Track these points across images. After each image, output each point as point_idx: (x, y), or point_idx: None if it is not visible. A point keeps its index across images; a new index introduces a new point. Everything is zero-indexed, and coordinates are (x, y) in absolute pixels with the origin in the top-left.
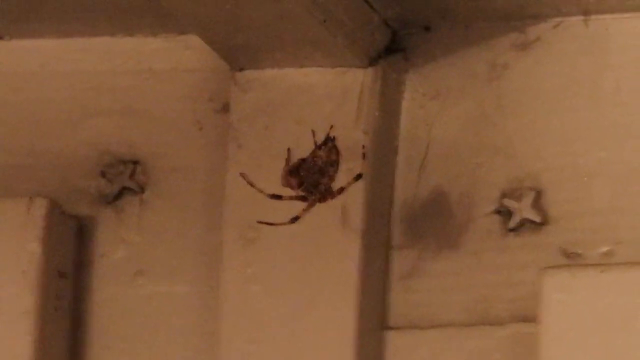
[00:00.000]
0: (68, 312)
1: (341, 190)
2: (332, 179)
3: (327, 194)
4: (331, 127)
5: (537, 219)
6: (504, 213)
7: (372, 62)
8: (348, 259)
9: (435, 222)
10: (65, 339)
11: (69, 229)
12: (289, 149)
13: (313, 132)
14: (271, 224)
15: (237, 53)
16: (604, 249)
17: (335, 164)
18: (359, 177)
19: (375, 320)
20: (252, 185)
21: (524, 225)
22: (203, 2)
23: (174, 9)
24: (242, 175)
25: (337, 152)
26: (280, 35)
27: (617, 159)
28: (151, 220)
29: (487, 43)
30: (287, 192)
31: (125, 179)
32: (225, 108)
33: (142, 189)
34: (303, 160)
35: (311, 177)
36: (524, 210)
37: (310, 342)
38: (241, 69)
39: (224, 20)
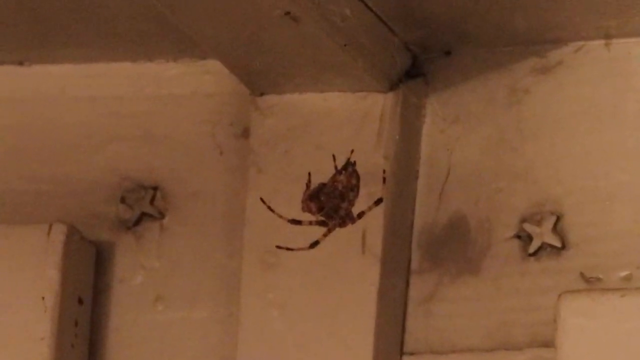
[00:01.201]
0: (86, 338)
1: (361, 214)
2: (352, 203)
3: (347, 219)
4: (351, 151)
5: (557, 243)
6: (524, 238)
7: (393, 86)
8: (367, 284)
9: (455, 246)
10: None
11: (88, 254)
12: (309, 174)
13: (333, 157)
14: (291, 249)
15: (258, 78)
16: (624, 273)
17: (355, 188)
18: (379, 201)
19: (394, 346)
20: (271, 210)
21: (544, 249)
22: (223, 27)
23: (194, 33)
24: (262, 200)
25: (357, 177)
26: (301, 60)
27: (638, 182)
28: (171, 246)
29: (508, 67)
30: (307, 217)
31: (145, 205)
32: (246, 133)
33: (161, 215)
34: (323, 185)
35: (331, 202)
36: (544, 234)
37: None
38: (261, 94)
39: (244, 44)
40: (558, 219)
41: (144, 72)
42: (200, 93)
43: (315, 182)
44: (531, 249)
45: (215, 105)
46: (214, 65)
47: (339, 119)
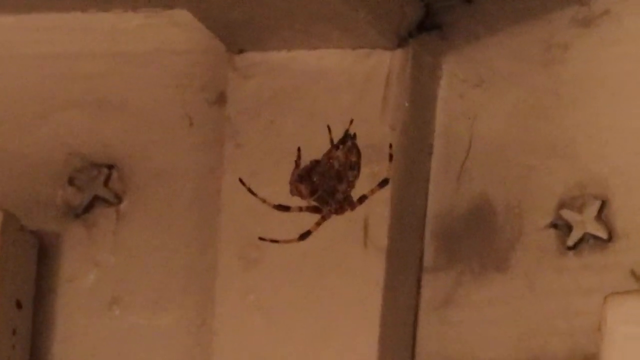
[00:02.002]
0: (26, 349)
1: (363, 199)
2: (351, 185)
3: (345, 204)
4: (351, 121)
5: (603, 234)
6: (562, 227)
7: (402, 42)
8: (370, 284)
9: (478, 238)
10: None
11: (29, 248)
12: (299, 149)
13: (329, 128)
14: (277, 242)
15: (236, 31)
16: None
17: (355, 167)
18: (384, 183)
19: (403, 358)
20: (253, 193)
21: (586, 241)
22: None
23: None
24: (241, 181)
25: (358, 153)
26: (289, 9)
27: None
28: (130, 237)
29: (543, 18)
30: (297, 201)
31: (98, 187)
32: (221, 99)
33: (118, 199)
34: (316, 162)
35: (326, 184)
36: (587, 223)
37: None
38: (241, 51)
39: None
40: (603, 204)
41: (96, 24)
42: (166, 50)
43: (307, 159)
44: (570, 241)
45: (184, 65)
46: (182, 15)
47: (336, 81)
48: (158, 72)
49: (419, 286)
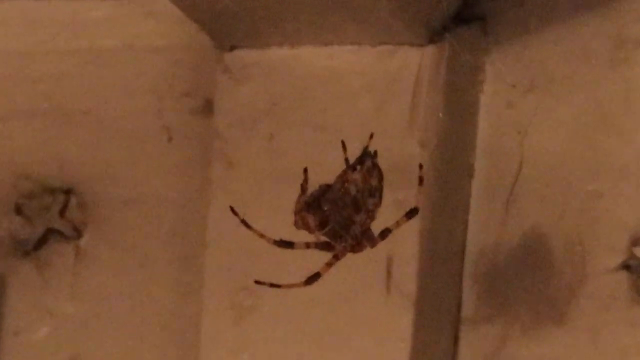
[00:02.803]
0: None
1: (386, 233)
2: (371, 216)
3: (363, 240)
4: (371, 136)
5: None
6: (636, 268)
7: (435, 37)
8: (395, 340)
9: (530, 282)
10: None
11: None
12: (306, 170)
13: (343, 145)
14: (277, 286)
15: (227, 23)
16: None
17: (376, 193)
18: (413, 213)
19: None
20: (248, 226)
21: None
22: None
23: None
24: (233, 210)
25: (380, 175)
26: None
27: None
28: (92, 281)
29: (611, 8)
30: (303, 236)
31: (52, 217)
32: (208, 107)
33: (78, 233)
34: (327, 187)
35: (339, 214)
36: None
37: None
38: (232, 48)
39: None
40: None
41: (52, 13)
42: (140, 47)
43: (316, 183)
44: None
45: (163, 65)
46: (160, 4)
47: (352, 86)
48: (129, 74)
49: (456, 343)
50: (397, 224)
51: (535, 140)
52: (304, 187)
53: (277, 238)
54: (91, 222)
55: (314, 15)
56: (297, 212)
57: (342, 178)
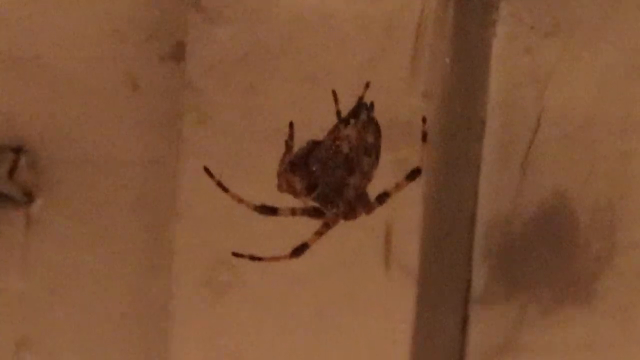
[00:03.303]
0: None
1: (384, 198)
2: (367, 177)
3: (358, 205)
4: (366, 85)
5: None
6: None
7: None
8: (395, 321)
9: (550, 257)
10: None
11: None
12: (291, 125)
13: (334, 95)
14: (259, 259)
15: None
16: None
17: (372, 151)
18: (415, 174)
19: None
20: (224, 189)
21: None
22: None
23: None
24: (207, 170)
25: (377, 131)
26: None
27: None
28: (45, 253)
29: None
30: (288, 201)
31: (0, 180)
32: (178, 53)
33: (29, 198)
34: (316, 144)
35: (330, 175)
36: None
37: None
38: None
39: None
40: None
41: None
42: None
43: (303, 139)
44: None
45: (124, 3)
46: None
47: (345, 28)
48: (85, 14)
49: (464, 325)
50: (397, 187)
51: (556, 92)
52: (289, 145)
53: (258, 203)
54: (44, 185)
55: None
56: (280, 174)
57: (333, 134)
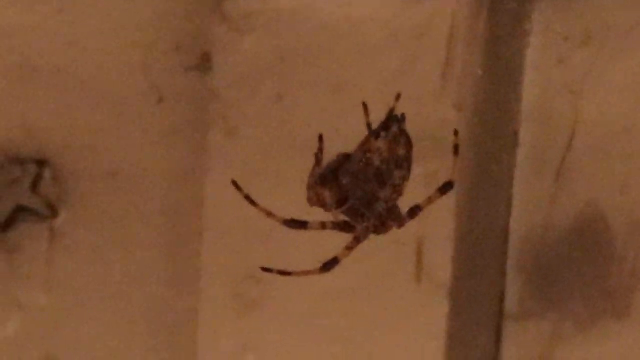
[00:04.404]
0: None
1: (415, 211)
2: (398, 191)
3: (389, 219)
4: (397, 97)
5: None
6: None
7: None
8: (427, 336)
9: (585, 270)
10: None
11: None
12: (321, 137)
13: (365, 107)
14: (288, 274)
15: None
16: None
17: (404, 164)
18: (447, 187)
19: None
20: (253, 203)
21: None
22: None
23: None
24: (236, 184)
25: (409, 144)
26: None
27: None
28: (70, 267)
29: None
30: (318, 214)
31: (22, 193)
32: (205, 64)
33: (53, 211)
34: (347, 157)
35: (361, 189)
36: None
37: None
38: None
39: None
40: None
41: None
42: None
43: (333, 152)
44: None
45: (150, 13)
46: None
47: (374, 39)
48: (109, 25)
49: (498, 340)
50: (429, 200)
51: (591, 102)
52: (318, 158)
53: (288, 217)
54: (68, 198)
55: None
56: (310, 187)
57: (364, 147)
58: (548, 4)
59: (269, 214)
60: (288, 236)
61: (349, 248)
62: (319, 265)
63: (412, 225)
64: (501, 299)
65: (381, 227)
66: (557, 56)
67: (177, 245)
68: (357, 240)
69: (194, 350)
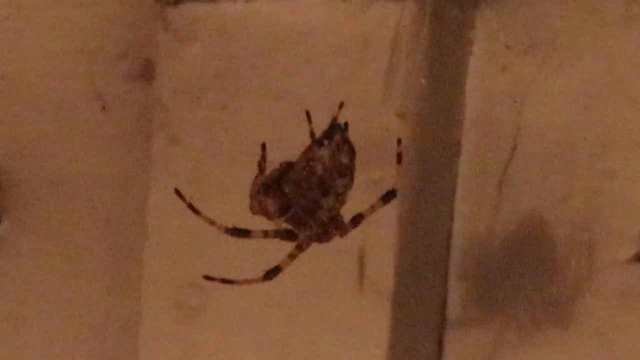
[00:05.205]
0: None
1: (358, 220)
2: (341, 200)
3: (331, 228)
4: (340, 105)
5: None
6: None
7: None
8: (369, 345)
9: (528, 278)
10: None
11: None
12: (264, 146)
13: (308, 115)
14: (230, 282)
15: None
16: None
17: (347, 172)
18: (390, 196)
19: None
20: (195, 211)
21: None
22: None
23: None
24: (179, 193)
25: (351, 152)
26: None
27: None
28: (12, 275)
29: None
30: (260, 223)
31: None
32: (148, 71)
33: None
34: (289, 165)
35: (304, 197)
36: None
37: None
38: (177, 2)
39: None
40: None
41: None
42: (68, 1)
43: (276, 160)
44: None
45: (93, 21)
46: None
47: (319, 46)
48: (53, 32)
49: (440, 349)
50: (372, 209)
51: (534, 111)
52: (261, 166)
53: (230, 225)
54: (10, 205)
55: None
56: (253, 195)
57: (307, 155)
58: (491, 13)
59: (212, 223)
60: (231, 245)
61: (292, 256)
62: (262, 273)
63: (354, 234)
64: (443, 306)
65: (324, 236)
66: (500, 64)
67: (119, 252)
68: (300, 249)
69: (135, 358)
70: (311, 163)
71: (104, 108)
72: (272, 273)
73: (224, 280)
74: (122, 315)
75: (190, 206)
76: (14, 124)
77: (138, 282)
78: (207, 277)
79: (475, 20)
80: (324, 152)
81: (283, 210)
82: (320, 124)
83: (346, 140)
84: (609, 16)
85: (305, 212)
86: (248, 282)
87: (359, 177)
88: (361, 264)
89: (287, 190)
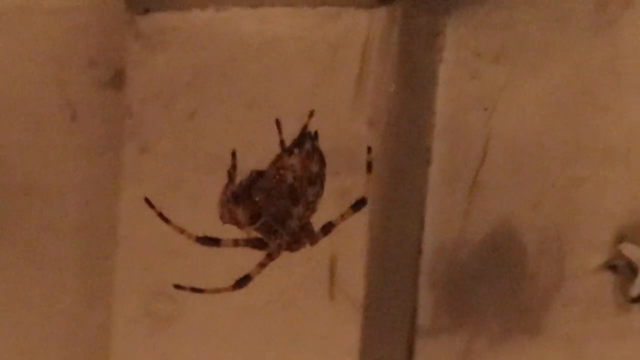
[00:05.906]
0: None
1: (328, 228)
2: (311, 208)
3: (302, 236)
4: (310, 114)
5: None
6: (622, 269)
7: None
8: (341, 351)
9: (498, 286)
10: None
11: None
12: (234, 154)
13: (278, 124)
14: (201, 291)
15: None
16: None
17: (317, 181)
18: (360, 204)
19: None
20: (165, 220)
21: None
22: None
23: None
24: (149, 201)
25: (321, 160)
26: None
27: None
28: None
29: None
30: (231, 232)
31: None
32: (118, 80)
33: None
34: (259, 174)
35: (274, 206)
36: None
37: None
38: (147, 11)
39: None
40: None
41: None
42: (36, 8)
43: (246, 169)
44: (635, 290)
45: (63, 29)
46: None
47: (289, 54)
48: (23, 40)
49: (410, 356)
50: (342, 217)
51: (503, 118)
52: (231, 174)
53: (200, 234)
54: None
55: None
56: (223, 204)
57: (277, 164)
58: (461, 20)
59: (182, 231)
60: (201, 253)
61: (262, 265)
62: (232, 282)
63: (325, 242)
64: (414, 314)
65: (294, 244)
66: (470, 72)
67: (90, 261)
68: (270, 257)
69: None
70: (281, 171)
71: (74, 116)
72: (242, 282)
73: (194, 289)
74: (93, 324)
75: (161, 215)
76: None
77: (109, 291)
78: (178, 286)
79: (445, 28)
80: (294, 161)
81: (253, 219)
82: (291, 133)
83: (316, 149)
84: (579, 23)
85: (275, 220)
86: (218, 291)
87: (330, 186)
88: (332, 272)
89: (257, 199)
